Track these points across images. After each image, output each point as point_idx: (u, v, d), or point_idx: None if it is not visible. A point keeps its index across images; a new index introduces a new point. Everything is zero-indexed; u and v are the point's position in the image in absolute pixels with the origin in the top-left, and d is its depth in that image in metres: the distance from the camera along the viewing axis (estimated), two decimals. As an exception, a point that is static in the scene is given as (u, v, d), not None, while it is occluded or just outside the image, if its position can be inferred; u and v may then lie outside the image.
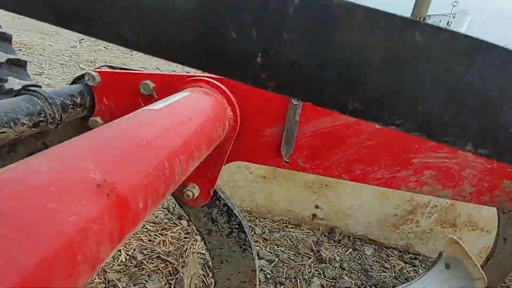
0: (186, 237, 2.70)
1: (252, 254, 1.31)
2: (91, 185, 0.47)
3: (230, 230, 1.30)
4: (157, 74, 1.11)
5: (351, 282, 2.48)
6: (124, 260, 2.34)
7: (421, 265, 2.87)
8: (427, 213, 2.82)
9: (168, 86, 1.08)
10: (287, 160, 1.19)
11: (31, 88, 0.95)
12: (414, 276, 2.70)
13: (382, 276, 2.65)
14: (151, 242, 2.58)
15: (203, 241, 1.34)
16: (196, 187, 1.22)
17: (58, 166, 0.48)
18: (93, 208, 0.45)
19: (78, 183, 0.46)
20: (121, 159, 0.57)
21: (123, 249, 2.43)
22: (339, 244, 2.95)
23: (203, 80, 1.06)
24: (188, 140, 0.77)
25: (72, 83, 1.18)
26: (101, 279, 2.13)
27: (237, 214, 1.28)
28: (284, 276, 2.47)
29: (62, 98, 1.04)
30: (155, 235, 2.66)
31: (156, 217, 2.87)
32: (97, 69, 1.15)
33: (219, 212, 1.28)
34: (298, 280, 2.45)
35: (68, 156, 0.51)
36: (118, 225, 0.50)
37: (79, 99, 1.11)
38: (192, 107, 0.91)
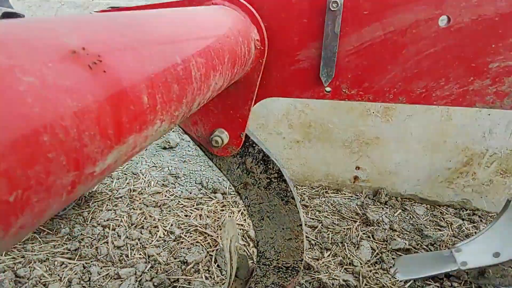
0: (222, 210, 2.59)
1: (296, 206, 1.15)
2: (62, 49, 0.31)
3: (268, 180, 1.13)
4: (165, 3, 0.94)
5: (405, 243, 2.27)
6: (162, 235, 2.27)
7: (481, 220, 2.59)
8: (485, 163, 2.51)
9: None
10: (328, 88, 0.99)
11: (13, 14, 0.81)
12: (475, 232, 2.44)
13: (438, 235, 2.41)
14: (187, 217, 2.49)
15: (239, 196, 1.18)
16: (225, 132, 1.05)
17: (20, 25, 0.32)
18: (65, 75, 0.29)
19: (42, 42, 0.30)
20: (115, 37, 0.40)
21: (161, 225, 2.36)
22: (386, 206, 2.73)
23: (220, -4, 0.89)
24: (206, 44, 0.60)
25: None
26: (140, 254, 2.07)
27: (275, 161, 1.11)
28: (330, 242, 2.31)
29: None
30: (191, 210, 2.57)
31: (190, 193, 2.78)
32: (102, 10, 0.99)
33: (254, 160, 1.11)
34: (346, 244, 2.28)
35: (38, 24, 0.35)
36: (111, 112, 0.34)
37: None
38: (208, 18, 0.74)
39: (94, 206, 2.55)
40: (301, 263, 1.24)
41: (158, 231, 2.30)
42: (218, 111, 1.03)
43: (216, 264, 2.03)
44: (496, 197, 2.60)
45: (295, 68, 0.99)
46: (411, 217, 2.62)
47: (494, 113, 2.33)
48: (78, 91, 0.30)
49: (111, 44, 0.38)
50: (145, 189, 2.81)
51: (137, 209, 2.52)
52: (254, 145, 1.09)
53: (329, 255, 2.18)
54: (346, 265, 2.11)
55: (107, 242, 2.17)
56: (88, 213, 2.47)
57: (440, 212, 2.67)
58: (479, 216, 2.62)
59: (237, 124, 1.04)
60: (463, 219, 2.59)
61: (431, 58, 0.89)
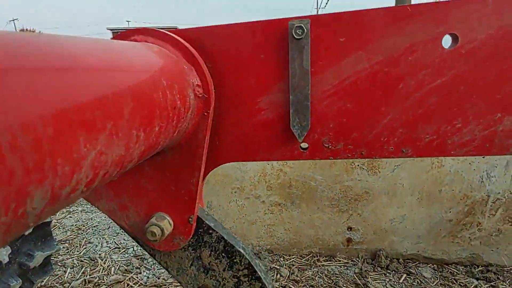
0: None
1: (279, 313, 0.79)
2: None
3: (236, 280, 0.79)
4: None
5: (419, 319, 1.87)
6: None
7: (498, 278, 2.24)
8: (488, 211, 2.25)
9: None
10: (304, 144, 0.71)
11: None
12: (495, 294, 2.08)
13: (455, 302, 2.03)
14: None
15: (197, 307, 0.82)
16: (167, 217, 0.74)
17: None
18: None
19: None
20: None
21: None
22: (388, 271, 2.35)
23: (143, 30, 0.64)
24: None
25: None
26: None
27: (242, 251, 0.78)
28: (330, 327, 1.88)
29: None
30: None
31: (159, 278, 2.33)
32: None
33: (213, 253, 0.78)
34: (350, 328, 1.85)
35: None
36: None
37: None
38: (125, 61, 0.47)
39: (36, 310, 2.05)
40: None
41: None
42: (154, 187, 0.73)
43: None
44: (508, 247, 2.29)
45: (257, 119, 0.72)
46: (419, 281, 2.25)
47: (488, 155, 2.13)
48: None
49: None
50: (103, 279, 2.33)
51: (89, 309, 2.03)
52: (210, 231, 0.77)
53: None
54: None
55: None
56: (27, 321, 1.95)
57: (450, 273, 2.32)
58: (494, 273, 2.28)
59: (182, 205, 0.73)
60: (477, 279, 2.24)
61: (439, 92, 0.65)
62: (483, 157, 2.14)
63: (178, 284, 2.26)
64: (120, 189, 0.75)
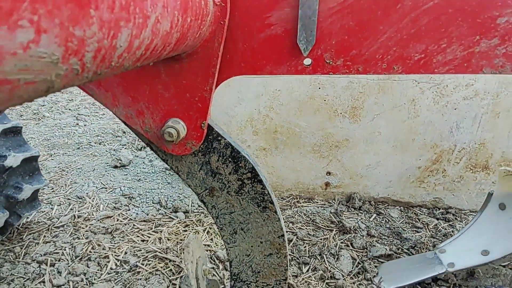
0: (185, 230, 2.29)
1: (275, 212, 0.92)
2: None
3: (240, 183, 0.90)
4: None
5: (385, 249, 2.12)
6: (114, 266, 1.92)
7: (456, 218, 2.53)
8: (454, 159, 2.47)
9: None
10: (308, 59, 0.79)
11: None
12: (452, 232, 2.36)
13: (417, 236, 2.29)
14: (144, 242, 2.16)
15: (204, 206, 0.94)
16: (181, 122, 0.82)
17: None
18: None
19: None
20: None
21: (112, 254, 2.00)
22: (360, 211, 2.59)
23: None
24: None
25: None
26: (86, 292, 1.71)
27: (247, 157, 0.88)
28: (308, 255, 2.09)
29: None
30: (148, 233, 2.24)
31: (147, 214, 2.45)
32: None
33: (221, 158, 0.88)
34: (325, 256, 2.07)
35: None
36: None
37: None
38: None
39: (29, 238, 2.13)
40: (285, 283, 1.01)
41: (108, 261, 1.94)
42: (170, 94, 0.80)
43: (180, 294, 1.73)
44: (467, 193, 2.56)
45: (266, 34, 0.78)
46: (387, 220, 2.50)
47: (460, 107, 2.30)
48: None
49: None
50: (92, 214, 2.43)
51: (82, 238, 2.14)
52: (219, 138, 0.86)
53: (308, 270, 1.96)
54: (327, 279, 1.90)
55: (44, 282, 1.78)
56: (21, 248, 2.05)
57: (415, 213, 2.58)
58: (453, 214, 2.56)
59: (196, 111, 0.81)
60: (437, 219, 2.52)
61: (430, 14, 0.73)
62: (455, 109, 2.32)
63: (167, 218, 2.40)
64: (138, 96, 0.81)
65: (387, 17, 0.74)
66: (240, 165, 0.88)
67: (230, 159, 0.88)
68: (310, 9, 0.74)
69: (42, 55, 0.25)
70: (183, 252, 1.90)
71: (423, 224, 2.45)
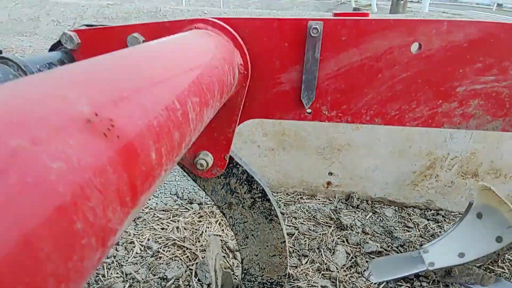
0: (199, 221, 2.57)
1: (279, 224, 1.18)
2: (78, 119, 0.31)
3: (252, 200, 1.15)
4: (145, 24, 0.93)
5: (377, 246, 2.37)
6: (139, 251, 2.22)
7: (445, 220, 2.76)
8: (446, 166, 2.69)
9: (161, 35, 0.91)
10: (309, 110, 1.03)
11: (2, 56, 0.78)
12: (440, 232, 2.60)
13: (407, 236, 2.54)
14: (164, 230, 2.45)
15: (224, 216, 1.19)
16: (209, 154, 1.06)
17: (27, 94, 0.31)
18: (86, 151, 0.29)
19: (59, 116, 0.30)
20: (117, 92, 0.40)
21: (137, 240, 2.30)
22: (358, 209, 2.83)
23: (203, 20, 0.89)
24: (198, 79, 0.61)
25: (50, 50, 1.01)
26: (117, 273, 2.01)
27: (259, 181, 1.13)
28: (307, 248, 2.36)
29: (38, 66, 0.87)
30: (167, 222, 2.53)
31: (166, 204, 2.74)
32: (75, 29, 0.97)
33: (238, 181, 1.13)
34: (322, 250, 2.34)
35: (44, 84, 0.35)
36: (128, 179, 0.34)
37: (58, 66, 0.94)
38: (195, 46, 0.74)
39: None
40: (285, 277, 1.27)
41: (134, 247, 2.25)
42: (203, 134, 1.04)
43: (197, 278, 2.02)
44: (457, 197, 2.78)
45: (277, 90, 1.02)
46: (381, 219, 2.74)
47: (453, 120, 2.50)
48: (99, 166, 0.30)
49: (116, 100, 0.38)
50: (117, 203, 2.72)
51: (110, 225, 2.44)
52: (238, 166, 1.11)
53: (307, 262, 2.23)
54: (323, 270, 2.17)
55: (80, 262, 2.09)
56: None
57: (407, 214, 2.82)
58: (443, 216, 2.79)
59: (221, 147, 1.05)
60: (428, 219, 2.75)
61: (404, 82, 0.95)
62: (449, 121, 2.51)
63: (184, 209, 2.69)
64: (177, 133, 1.06)
65: (370, 83, 0.97)
66: (253, 186, 1.13)
67: (245, 182, 1.13)
68: (312, 75, 0.97)
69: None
70: (206, 250, 2.18)
71: (414, 224, 2.69)
